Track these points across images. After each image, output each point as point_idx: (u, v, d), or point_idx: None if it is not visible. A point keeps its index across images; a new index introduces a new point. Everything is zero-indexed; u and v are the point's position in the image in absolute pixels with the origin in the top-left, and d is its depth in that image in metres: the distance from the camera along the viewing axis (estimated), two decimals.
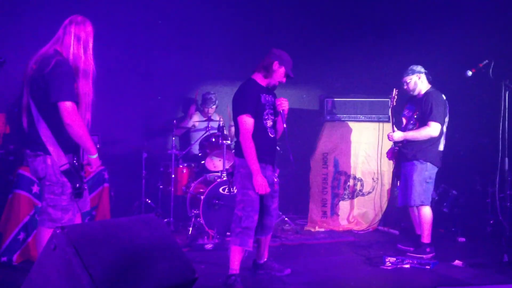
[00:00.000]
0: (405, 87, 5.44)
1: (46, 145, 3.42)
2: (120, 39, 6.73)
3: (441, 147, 5.34)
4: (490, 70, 4.92)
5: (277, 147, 6.66)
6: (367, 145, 6.80)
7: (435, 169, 5.31)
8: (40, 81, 3.38)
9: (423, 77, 5.39)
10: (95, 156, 3.58)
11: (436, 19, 6.64)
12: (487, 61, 4.96)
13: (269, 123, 4.31)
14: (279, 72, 4.29)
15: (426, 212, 5.28)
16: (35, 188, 4.72)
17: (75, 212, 3.56)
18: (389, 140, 5.43)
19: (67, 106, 3.35)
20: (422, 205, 5.26)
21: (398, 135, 5.33)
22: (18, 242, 4.67)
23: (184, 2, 7.05)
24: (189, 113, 7.13)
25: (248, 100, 4.19)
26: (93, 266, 2.53)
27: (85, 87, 3.50)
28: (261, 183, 4.11)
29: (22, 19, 5.82)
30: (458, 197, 6.18)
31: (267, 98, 4.31)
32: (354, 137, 6.87)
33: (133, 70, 7.06)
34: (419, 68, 5.40)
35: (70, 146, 3.48)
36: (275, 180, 4.43)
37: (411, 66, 5.43)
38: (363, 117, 6.83)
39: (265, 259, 4.64)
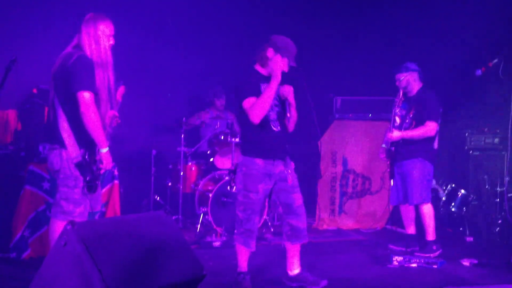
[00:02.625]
0: (397, 84, 5.41)
1: (63, 138, 3.53)
2: (130, 37, 6.75)
3: (435, 145, 5.37)
4: (500, 69, 4.91)
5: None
6: (375, 144, 6.79)
7: (432, 167, 5.33)
8: (63, 74, 3.52)
9: (416, 75, 5.36)
10: (106, 149, 3.62)
11: (446, 17, 6.61)
12: (496, 60, 4.95)
13: (273, 115, 4.00)
14: (275, 60, 3.90)
15: (428, 209, 5.28)
16: (46, 185, 4.78)
17: (86, 207, 3.64)
18: (388, 140, 5.38)
19: (85, 95, 3.46)
20: (423, 202, 5.26)
21: (397, 134, 5.31)
22: (25, 239, 4.74)
23: (195, 2, 7.08)
24: (199, 115, 7.14)
25: (246, 87, 3.91)
26: (103, 262, 2.57)
27: (105, 80, 3.62)
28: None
29: (33, 18, 5.86)
30: (466, 196, 6.17)
31: None
32: (362, 135, 6.87)
33: (143, 68, 7.09)
34: (413, 66, 5.36)
35: (85, 141, 3.56)
36: (289, 175, 4.09)
37: (406, 63, 5.38)
38: (372, 116, 6.83)
39: (300, 271, 4.23)
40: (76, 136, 3.55)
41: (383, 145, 5.63)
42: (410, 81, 5.35)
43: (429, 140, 5.28)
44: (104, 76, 3.63)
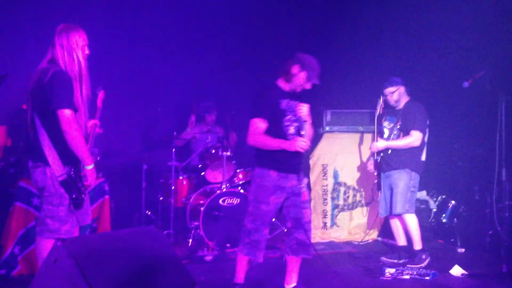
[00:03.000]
0: (388, 98, 5.48)
1: (46, 156, 3.47)
2: (121, 51, 6.79)
3: (423, 157, 5.43)
4: (487, 81, 4.96)
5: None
6: (366, 156, 6.83)
7: (418, 178, 5.39)
8: (40, 91, 3.46)
9: (404, 89, 5.46)
10: (91, 167, 3.58)
11: (434, 31, 6.69)
12: (483, 72, 5.00)
13: (291, 130, 4.03)
14: (300, 77, 4.01)
15: (412, 219, 5.33)
16: (36, 201, 4.74)
17: (73, 224, 3.58)
18: (372, 150, 5.49)
19: (65, 113, 3.41)
20: (406, 213, 5.30)
21: (382, 144, 5.40)
22: (14, 256, 4.69)
23: (184, 15, 7.12)
24: (189, 122, 7.14)
25: (262, 103, 3.98)
26: (94, 278, 2.55)
27: (80, 92, 3.56)
28: (293, 143, 3.87)
29: (24, 32, 5.86)
30: (457, 207, 6.19)
31: (290, 104, 4.03)
32: (353, 148, 6.90)
33: (133, 82, 7.11)
34: (400, 80, 5.47)
35: (69, 158, 3.52)
36: (302, 190, 4.10)
37: (393, 78, 5.48)
38: (362, 128, 6.86)
39: (295, 284, 4.26)
40: (59, 154, 3.49)
41: (372, 158, 5.67)
42: (400, 94, 5.44)
43: (415, 151, 5.33)
44: (80, 88, 3.56)
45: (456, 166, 6.41)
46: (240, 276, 4.11)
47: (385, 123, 5.60)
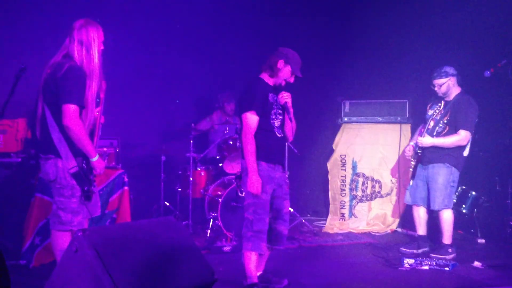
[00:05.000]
0: (436, 89, 5.29)
1: (58, 148, 3.49)
2: (139, 43, 6.81)
3: (466, 152, 5.29)
4: (509, 70, 4.88)
5: (294, 149, 6.74)
6: (385, 147, 6.79)
7: (458, 174, 5.29)
8: (53, 85, 3.48)
9: (455, 80, 5.27)
10: (96, 158, 3.58)
11: (454, 19, 6.59)
12: (505, 61, 4.93)
13: (277, 123, 4.15)
14: (284, 71, 4.12)
15: (449, 215, 5.27)
16: None
17: (85, 216, 3.61)
18: (419, 146, 5.29)
19: (70, 108, 3.41)
20: (445, 208, 5.23)
21: (428, 141, 5.22)
22: (34, 246, 4.75)
23: (202, 7, 7.11)
24: (211, 117, 7.17)
25: (255, 98, 4.04)
26: (114, 267, 2.58)
27: (92, 89, 3.57)
28: (254, 183, 3.94)
29: (43, 25, 5.90)
30: (477, 198, 6.13)
31: (274, 98, 4.15)
32: (372, 138, 6.86)
33: (152, 74, 7.14)
34: (452, 70, 5.25)
35: (79, 150, 3.53)
36: (286, 181, 4.26)
37: (444, 68, 5.26)
38: (381, 119, 6.82)
39: (261, 272, 4.30)
40: (70, 146, 3.50)
41: (412, 143, 5.52)
42: (449, 86, 5.25)
43: (460, 147, 5.22)
44: (91, 84, 3.56)
45: (476, 156, 6.32)
46: (253, 275, 4.03)
47: (430, 112, 5.34)
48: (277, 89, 4.20)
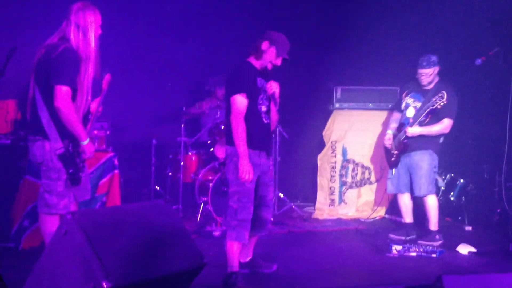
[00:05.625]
0: (423, 77, 5.29)
1: (46, 130, 3.47)
2: (130, 26, 6.75)
3: (441, 139, 5.39)
4: (500, 59, 4.90)
5: (285, 134, 6.75)
6: (375, 133, 6.80)
7: (437, 159, 5.38)
8: (46, 64, 3.45)
9: (438, 69, 5.30)
10: (86, 142, 3.55)
11: (446, 6, 6.59)
12: (497, 49, 4.93)
13: (264, 108, 4.06)
14: (269, 53, 4.01)
15: (434, 200, 5.33)
16: None
17: (71, 199, 3.59)
18: (407, 135, 5.29)
19: (62, 89, 3.38)
20: (429, 194, 5.29)
21: (417, 130, 5.25)
22: (22, 228, 4.74)
23: None
24: (203, 101, 7.16)
25: (244, 80, 3.94)
26: (104, 251, 2.57)
27: (89, 73, 3.54)
28: (246, 169, 3.86)
29: (34, 6, 5.83)
30: (465, 186, 6.18)
31: (262, 82, 4.06)
32: (362, 125, 6.87)
33: (143, 57, 7.09)
34: (437, 59, 5.28)
35: (67, 132, 3.50)
36: (270, 168, 4.21)
37: (430, 57, 5.27)
38: (372, 105, 6.83)
39: (251, 257, 4.33)
40: (58, 128, 3.47)
41: (390, 132, 5.57)
42: (434, 74, 5.30)
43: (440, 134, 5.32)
44: (87, 68, 3.53)
45: (465, 144, 6.37)
46: (234, 264, 3.98)
47: (409, 100, 5.42)
48: (264, 74, 4.11)
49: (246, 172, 3.87)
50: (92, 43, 3.56)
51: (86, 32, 3.53)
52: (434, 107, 5.10)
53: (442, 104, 5.05)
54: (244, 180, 3.89)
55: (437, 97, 5.08)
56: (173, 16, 7.21)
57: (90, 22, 3.54)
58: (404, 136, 5.34)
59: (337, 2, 7.41)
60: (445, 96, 5.02)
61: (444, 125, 5.24)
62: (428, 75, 5.28)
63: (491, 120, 6.18)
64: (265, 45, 4.02)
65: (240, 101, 3.90)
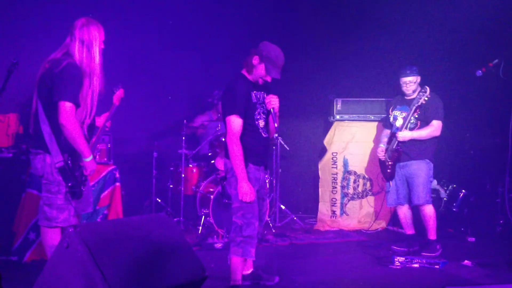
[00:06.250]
0: (407, 86, 5.39)
1: (47, 143, 3.48)
2: (131, 39, 6.78)
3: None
4: (501, 70, 4.91)
5: (285, 146, 6.76)
6: (376, 145, 6.79)
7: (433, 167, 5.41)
8: (48, 80, 3.47)
9: (419, 78, 5.41)
10: (89, 159, 3.57)
11: (445, 18, 6.62)
12: (497, 60, 4.95)
13: (261, 123, 3.99)
14: (259, 69, 3.89)
15: (430, 210, 5.35)
16: None
17: (71, 213, 3.59)
18: (399, 140, 5.33)
19: (66, 106, 3.40)
20: (426, 203, 5.30)
21: (408, 134, 5.31)
22: (29, 242, 4.73)
23: (197, 3, 7.09)
24: (204, 114, 7.18)
25: (237, 99, 3.84)
26: (106, 264, 2.57)
27: (90, 88, 3.56)
28: (246, 191, 3.80)
29: (36, 21, 5.86)
30: (468, 197, 6.16)
31: (258, 96, 3.98)
32: (363, 136, 6.88)
33: (144, 70, 7.10)
34: (417, 68, 5.40)
35: (67, 146, 3.51)
36: (267, 181, 4.20)
37: (411, 66, 5.40)
38: (373, 117, 6.84)
39: (252, 269, 4.31)
40: (58, 142, 3.49)
41: (382, 145, 5.63)
42: (417, 84, 5.39)
43: (434, 141, 5.35)
44: (91, 83, 3.56)
45: (467, 155, 6.37)
46: (237, 278, 3.96)
47: (396, 112, 5.52)
48: (263, 85, 4.02)
49: (247, 194, 3.83)
50: (97, 58, 3.59)
51: (90, 47, 3.57)
52: (419, 103, 5.18)
53: (426, 98, 5.13)
54: (246, 201, 3.85)
55: (420, 93, 5.20)
56: (173, 28, 7.25)
57: (94, 38, 3.58)
58: (396, 142, 5.37)
59: (338, 14, 7.44)
60: (428, 91, 5.14)
61: (434, 128, 5.28)
62: (412, 83, 5.38)
63: (493, 131, 6.19)
64: (255, 60, 3.90)
65: (235, 122, 3.85)
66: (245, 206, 3.88)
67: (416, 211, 5.51)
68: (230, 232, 4.04)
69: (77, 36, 3.55)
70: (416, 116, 5.31)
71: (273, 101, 3.90)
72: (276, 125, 3.97)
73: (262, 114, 4.01)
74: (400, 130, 5.33)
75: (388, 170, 5.55)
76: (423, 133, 5.30)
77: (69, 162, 3.53)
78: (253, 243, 3.92)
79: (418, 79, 5.40)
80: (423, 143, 5.32)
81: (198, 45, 7.39)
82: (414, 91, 5.40)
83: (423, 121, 5.31)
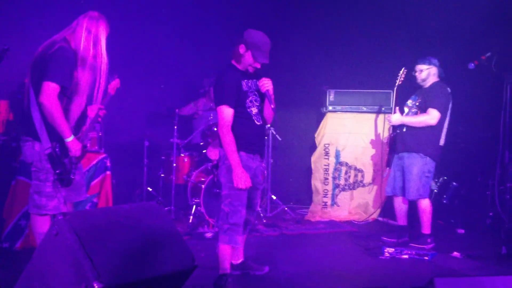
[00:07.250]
0: (416, 74, 5.38)
1: (37, 130, 3.47)
2: (124, 27, 6.72)
3: (441, 141, 5.32)
4: (493, 63, 4.91)
5: (277, 137, 6.76)
6: (368, 136, 6.82)
7: (434, 163, 5.31)
8: (41, 62, 3.46)
9: (436, 70, 5.34)
10: (71, 138, 3.53)
11: (438, 11, 6.61)
12: (490, 53, 4.95)
13: (254, 110, 3.98)
14: (246, 57, 3.91)
15: (425, 204, 5.30)
16: None
17: (61, 201, 3.58)
18: (390, 123, 5.40)
19: (50, 86, 3.38)
20: (420, 198, 5.28)
21: (396, 117, 5.30)
22: (20, 229, 4.71)
23: None
24: (196, 103, 7.15)
25: (226, 89, 3.88)
26: (95, 252, 2.56)
27: (89, 79, 3.56)
28: (241, 177, 3.81)
29: (27, 7, 5.80)
30: (458, 189, 6.19)
31: (249, 84, 3.99)
32: (355, 128, 6.88)
33: (136, 58, 7.06)
34: (435, 61, 5.34)
35: (57, 134, 3.49)
36: (264, 171, 4.13)
37: (429, 57, 5.37)
38: (365, 108, 6.84)
39: (242, 259, 4.32)
40: (47, 128, 3.47)
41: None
42: (429, 74, 5.33)
43: (433, 134, 5.24)
44: (91, 75, 3.55)
45: (458, 147, 6.39)
46: (226, 267, 3.97)
47: (409, 101, 5.47)
48: (254, 73, 4.03)
49: (242, 181, 3.82)
50: (104, 55, 3.61)
51: (97, 41, 3.58)
52: (396, 85, 5.34)
53: (402, 79, 5.33)
54: (240, 188, 3.85)
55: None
56: (165, 16, 7.20)
57: (101, 33, 3.60)
58: (392, 128, 5.39)
59: (331, 5, 7.42)
60: (421, 76, 5.29)
61: (428, 116, 5.18)
62: (420, 71, 5.34)
63: (484, 123, 6.22)
64: (242, 49, 3.92)
65: (225, 112, 3.87)
66: (233, 193, 3.88)
67: (412, 204, 5.52)
68: (218, 220, 4.04)
69: (85, 25, 3.55)
70: (417, 104, 5.31)
71: (266, 84, 3.92)
72: (272, 106, 3.95)
73: (254, 102, 4.01)
74: (395, 112, 5.33)
75: (385, 156, 5.60)
76: (414, 119, 5.26)
77: (57, 149, 3.51)
78: (239, 231, 3.93)
79: (432, 69, 5.32)
80: (419, 135, 5.24)
81: (190, 34, 7.35)
82: (424, 80, 5.34)
83: (423, 110, 5.26)
